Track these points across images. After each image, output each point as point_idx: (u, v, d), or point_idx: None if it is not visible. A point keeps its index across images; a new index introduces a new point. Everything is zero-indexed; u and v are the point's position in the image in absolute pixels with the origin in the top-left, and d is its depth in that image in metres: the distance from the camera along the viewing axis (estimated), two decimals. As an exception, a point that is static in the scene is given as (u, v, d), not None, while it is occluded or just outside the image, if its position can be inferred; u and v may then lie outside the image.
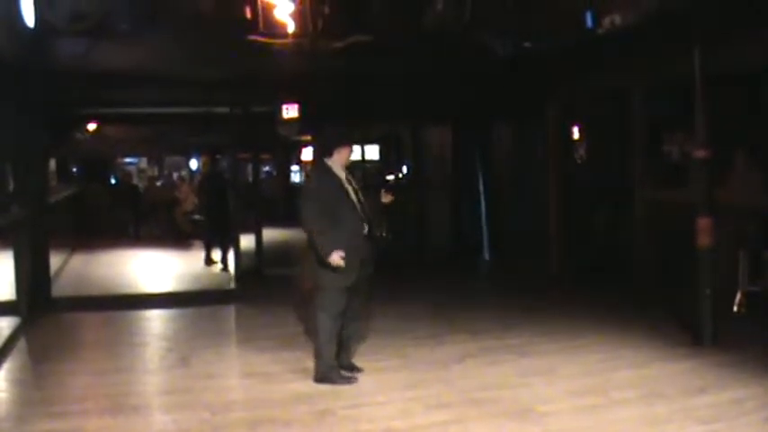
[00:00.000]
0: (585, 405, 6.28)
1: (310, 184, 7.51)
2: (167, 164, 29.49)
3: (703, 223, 8.02)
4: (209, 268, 14.89)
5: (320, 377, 7.03)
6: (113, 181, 25.62)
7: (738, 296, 9.48)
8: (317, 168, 7.43)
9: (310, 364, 7.79)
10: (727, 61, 8.98)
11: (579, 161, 15.03)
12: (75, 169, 23.73)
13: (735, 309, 9.45)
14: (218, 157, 16.96)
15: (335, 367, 7.09)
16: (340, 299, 6.97)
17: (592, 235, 13.31)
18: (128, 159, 29.18)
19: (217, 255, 14.85)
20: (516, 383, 6.92)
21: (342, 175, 7.10)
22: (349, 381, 7.02)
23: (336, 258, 6.76)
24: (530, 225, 14.43)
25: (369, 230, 7.04)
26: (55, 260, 12.65)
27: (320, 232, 6.86)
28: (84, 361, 8.32)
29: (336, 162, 7.10)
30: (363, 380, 7.11)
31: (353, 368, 7.29)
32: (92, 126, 20.81)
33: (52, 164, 16.72)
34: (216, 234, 14.85)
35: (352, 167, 7.43)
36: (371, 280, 7.21)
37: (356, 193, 7.09)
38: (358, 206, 7.02)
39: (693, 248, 8.12)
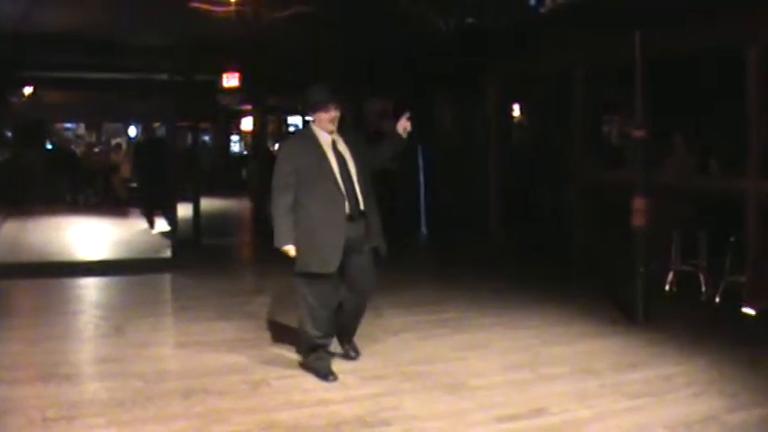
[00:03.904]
0: (517, 379, 6.35)
1: (280, 151, 6.58)
2: (106, 130, 29.01)
3: (639, 203, 8.13)
4: (149, 233, 14.84)
5: (304, 363, 6.50)
6: (50, 146, 25.14)
7: (671, 275, 9.66)
8: (295, 133, 6.78)
9: (246, 334, 7.80)
10: (667, 45, 9.09)
11: (520, 139, 15.16)
12: (9, 134, 23.26)
13: (667, 287, 9.63)
14: (155, 124, 16.78)
15: (321, 353, 6.39)
16: (320, 285, 6.17)
17: (532, 213, 13.44)
18: (65, 125, 28.66)
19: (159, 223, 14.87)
20: (450, 357, 6.97)
21: (326, 141, 6.21)
22: (326, 377, 6.24)
23: (286, 249, 6.14)
24: (470, 202, 14.50)
25: (354, 208, 6.14)
26: (-13, 225, 12.43)
27: (277, 211, 6.16)
28: (17, 328, 8.18)
29: (319, 126, 6.25)
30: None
31: (352, 351, 6.80)
32: (28, 90, 20.44)
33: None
34: (153, 202, 14.79)
35: (353, 134, 6.60)
36: (371, 266, 6.43)
37: (344, 165, 6.19)
38: (339, 180, 6.11)
39: (629, 228, 8.24)
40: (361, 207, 6.20)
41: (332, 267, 6.10)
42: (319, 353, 6.37)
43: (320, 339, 6.33)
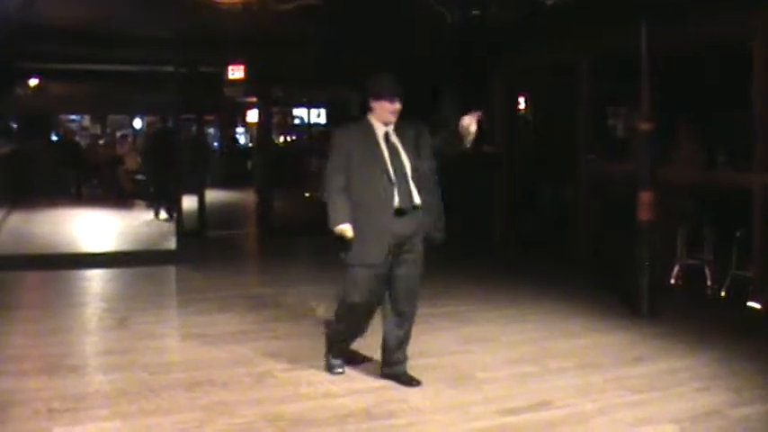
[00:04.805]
0: (522, 373, 6.34)
1: (334, 138, 6.09)
2: (111, 122, 29.03)
3: (644, 197, 8.11)
4: (155, 223, 14.96)
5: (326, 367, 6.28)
6: (55, 138, 25.18)
7: (676, 269, 9.65)
8: (351, 123, 6.21)
9: (251, 326, 7.81)
10: (672, 38, 9.07)
11: (525, 132, 15.11)
12: (15, 126, 23.30)
13: (672, 281, 9.62)
14: (162, 117, 16.87)
15: (341, 347, 6.24)
16: (363, 280, 5.81)
17: (537, 206, 13.42)
18: (71, 117, 28.69)
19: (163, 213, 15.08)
20: (457, 350, 6.97)
21: (380, 133, 5.88)
22: (332, 369, 6.19)
23: (342, 229, 5.73)
24: (475, 195, 14.47)
25: (405, 202, 5.76)
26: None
27: (330, 193, 5.82)
28: (22, 321, 8.19)
29: (376, 117, 5.91)
30: (303, 343, 7.10)
31: (409, 380, 6.03)
32: (33, 82, 20.44)
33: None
34: (162, 193, 14.96)
35: (414, 125, 6.03)
36: (416, 281, 6.00)
37: (397, 157, 5.84)
38: (390, 171, 5.76)
39: (635, 221, 8.22)
40: (415, 201, 5.82)
41: (376, 259, 5.74)
42: (340, 346, 6.26)
43: (345, 338, 6.21)
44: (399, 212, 5.76)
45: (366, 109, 5.97)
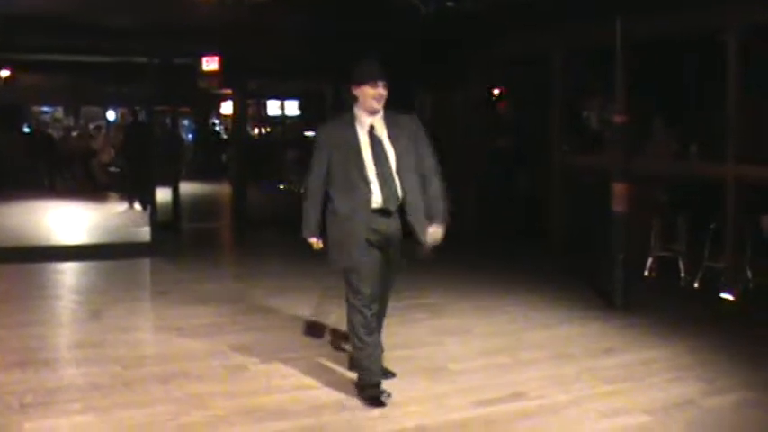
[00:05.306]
0: (496, 364, 6.37)
1: (317, 136, 5.76)
2: (84, 114, 28.82)
3: (618, 189, 8.15)
4: (129, 215, 14.96)
5: (357, 387, 5.66)
6: (27, 130, 24.96)
7: (650, 261, 9.70)
8: (335, 118, 5.83)
9: (225, 319, 7.78)
10: (646, 30, 9.11)
11: (500, 124, 15.13)
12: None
13: (646, 273, 9.68)
14: (137, 108, 16.82)
15: (373, 382, 5.56)
16: (354, 283, 5.49)
17: (511, 198, 13.45)
18: (43, 109, 28.47)
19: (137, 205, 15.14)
20: (429, 342, 6.99)
21: (364, 126, 5.51)
22: (376, 401, 5.46)
23: (311, 242, 5.62)
24: (450, 186, 14.48)
25: (390, 200, 5.45)
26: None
27: (305, 201, 5.58)
28: (-7, 313, 8.14)
29: (360, 106, 5.53)
30: (276, 335, 7.11)
31: (383, 371, 5.81)
32: (4, 73, 20.26)
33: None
34: (136, 185, 15.00)
35: (407, 118, 5.68)
36: (394, 269, 5.76)
37: (381, 152, 5.47)
38: (369, 169, 5.43)
39: (609, 213, 8.26)
40: (400, 199, 5.48)
41: (358, 262, 5.43)
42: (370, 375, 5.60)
43: (366, 347, 5.55)
44: (381, 212, 5.46)
45: (350, 99, 5.65)
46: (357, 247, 5.42)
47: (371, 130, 5.50)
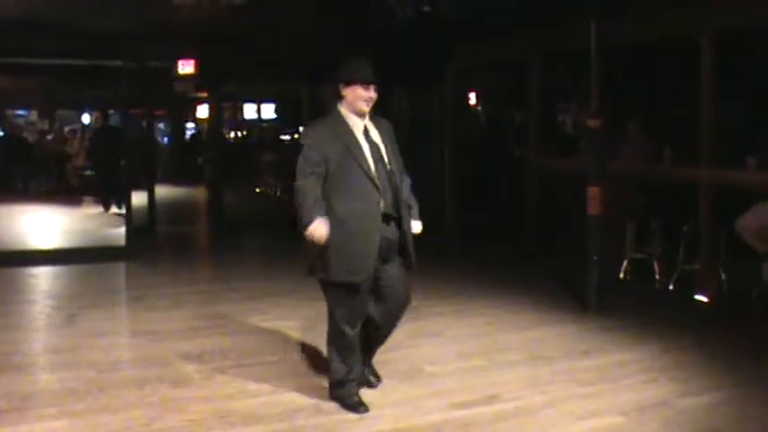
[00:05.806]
0: (472, 366, 6.39)
1: (306, 137, 5.32)
2: (59, 117, 28.64)
3: (593, 191, 8.19)
4: (104, 219, 14.89)
5: (331, 394, 5.55)
6: (1, 133, 24.77)
7: (625, 263, 9.75)
8: (323, 117, 5.42)
9: (200, 323, 7.76)
10: (622, 34, 9.17)
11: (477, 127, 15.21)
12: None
13: (621, 275, 9.73)
14: (110, 111, 16.75)
15: (349, 387, 5.43)
16: (349, 299, 5.24)
17: (488, 200, 13.50)
18: (17, 112, 28.27)
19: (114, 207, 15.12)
20: (406, 344, 6.97)
21: (358, 127, 5.26)
22: (357, 409, 5.34)
23: (315, 229, 5.06)
24: (426, 190, 14.52)
25: (391, 206, 5.24)
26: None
27: (306, 200, 5.08)
28: (-34, 318, 8.08)
29: (348, 107, 5.25)
30: (251, 340, 7.09)
31: (373, 375, 5.86)
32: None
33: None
34: (109, 189, 14.92)
35: (386, 122, 5.48)
36: (404, 275, 5.49)
37: (379, 156, 5.26)
38: (374, 172, 5.18)
39: (584, 216, 8.29)
40: (399, 205, 5.30)
41: (363, 276, 5.16)
42: (349, 386, 5.44)
43: (348, 373, 5.42)
44: (386, 218, 5.21)
45: (330, 99, 5.43)
46: (365, 258, 5.12)
47: (366, 131, 5.28)
